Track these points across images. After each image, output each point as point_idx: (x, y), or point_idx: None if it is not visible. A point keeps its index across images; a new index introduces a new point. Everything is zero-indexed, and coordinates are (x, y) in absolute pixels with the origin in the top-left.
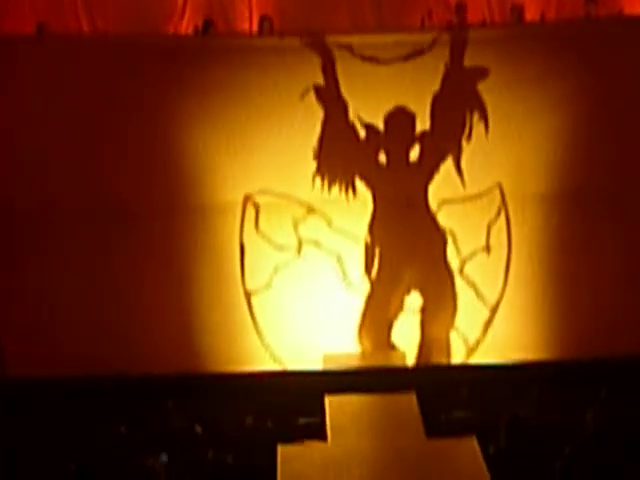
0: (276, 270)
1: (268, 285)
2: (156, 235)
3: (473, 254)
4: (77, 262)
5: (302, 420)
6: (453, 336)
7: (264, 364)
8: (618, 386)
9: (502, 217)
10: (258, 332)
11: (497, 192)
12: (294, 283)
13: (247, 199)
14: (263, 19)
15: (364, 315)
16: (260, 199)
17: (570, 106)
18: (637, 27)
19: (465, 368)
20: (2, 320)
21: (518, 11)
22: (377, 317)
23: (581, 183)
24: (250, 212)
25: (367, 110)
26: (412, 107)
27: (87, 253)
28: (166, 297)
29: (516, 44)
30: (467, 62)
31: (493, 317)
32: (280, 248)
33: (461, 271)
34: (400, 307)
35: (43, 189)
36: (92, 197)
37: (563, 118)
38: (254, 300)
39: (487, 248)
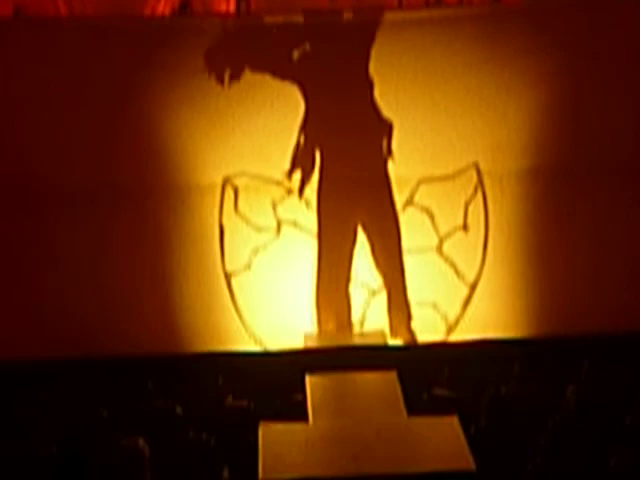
0: (255, 251)
1: (248, 266)
2: (135, 217)
3: (451, 233)
4: (55, 244)
5: (283, 399)
6: (432, 314)
7: (244, 344)
8: (598, 362)
9: (479, 195)
10: (238, 312)
11: (474, 171)
12: (274, 264)
13: (226, 181)
14: None
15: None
16: (239, 181)
17: (547, 84)
18: (614, 5)
19: (446, 346)
20: None
21: None
22: (335, 295)
23: (558, 161)
24: (229, 194)
25: (342, 90)
26: (388, 86)
27: (65, 235)
28: (146, 278)
29: (493, 22)
30: (444, 41)
31: (472, 295)
32: (259, 229)
33: (439, 249)
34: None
35: (18, 171)
36: (71, 179)
37: (540, 96)
38: (234, 281)
39: (465, 226)
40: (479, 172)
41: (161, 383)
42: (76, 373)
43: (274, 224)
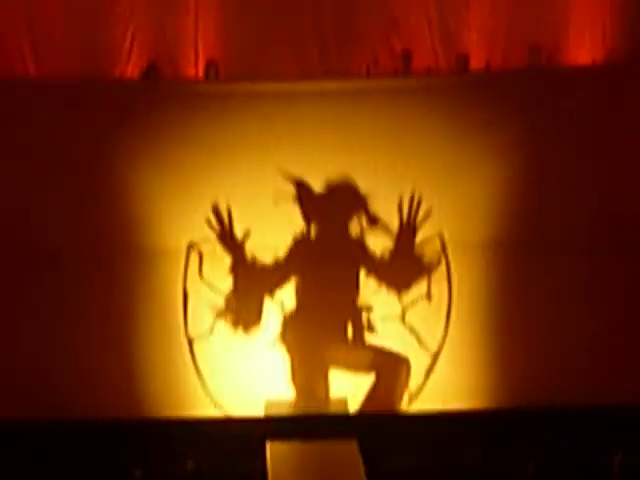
0: (218, 316)
1: (210, 331)
2: (98, 279)
3: (414, 301)
4: (16, 306)
5: (243, 466)
6: None
7: (205, 410)
8: (559, 434)
9: (443, 265)
10: (200, 378)
11: (437, 240)
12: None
13: (191, 246)
14: (209, 64)
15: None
16: (204, 246)
17: (513, 155)
18: (581, 76)
19: (407, 415)
20: None
21: (464, 59)
22: (308, 369)
23: (523, 232)
24: (194, 259)
25: (308, 157)
26: (353, 155)
27: (25, 293)
28: (107, 341)
29: (461, 92)
30: (411, 110)
31: (434, 364)
32: (223, 294)
33: (402, 318)
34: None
35: None
36: (34, 241)
37: (506, 166)
38: (196, 346)
39: (428, 296)
40: (443, 241)
41: (121, 446)
42: (35, 435)
43: None
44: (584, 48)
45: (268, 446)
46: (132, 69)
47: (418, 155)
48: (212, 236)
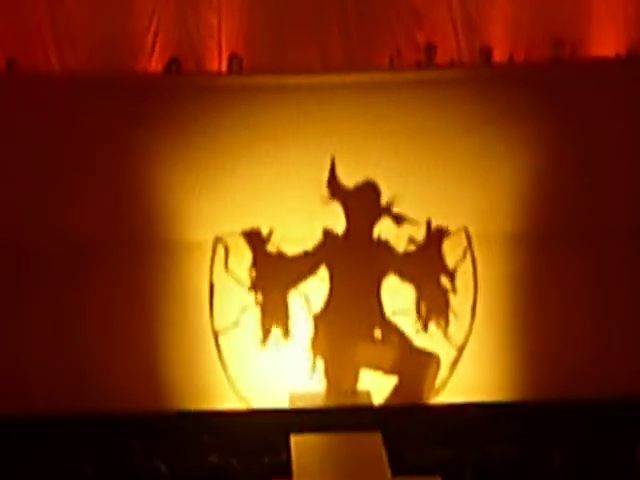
0: (244, 309)
1: (235, 324)
2: (124, 272)
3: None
4: (43, 298)
5: (267, 459)
6: None
7: (230, 402)
8: (583, 427)
9: (468, 259)
10: (225, 370)
11: (463, 234)
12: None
13: (217, 240)
14: (232, 57)
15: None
16: (230, 240)
17: (536, 147)
18: (603, 69)
19: (431, 408)
20: None
21: (487, 52)
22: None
23: (547, 223)
24: (220, 252)
25: (332, 149)
26: (376, 148)
27: (54, 289)
28: (134, 334)
29: (484, 85)
30: (434, 102)
31: (460, 357)
32: (248, 287)
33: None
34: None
35: (9, 226)
36: (61, 233)
37: (529, 159)
38: (221, 339)
39: (454, 289)
40: (468, 236)
41: (146, 440)
42: (62, 429)
43: None
44: (607, 41)
45: (292, 439)
46: (155, 64)
47: (441, 149)
48: (237, 230)
